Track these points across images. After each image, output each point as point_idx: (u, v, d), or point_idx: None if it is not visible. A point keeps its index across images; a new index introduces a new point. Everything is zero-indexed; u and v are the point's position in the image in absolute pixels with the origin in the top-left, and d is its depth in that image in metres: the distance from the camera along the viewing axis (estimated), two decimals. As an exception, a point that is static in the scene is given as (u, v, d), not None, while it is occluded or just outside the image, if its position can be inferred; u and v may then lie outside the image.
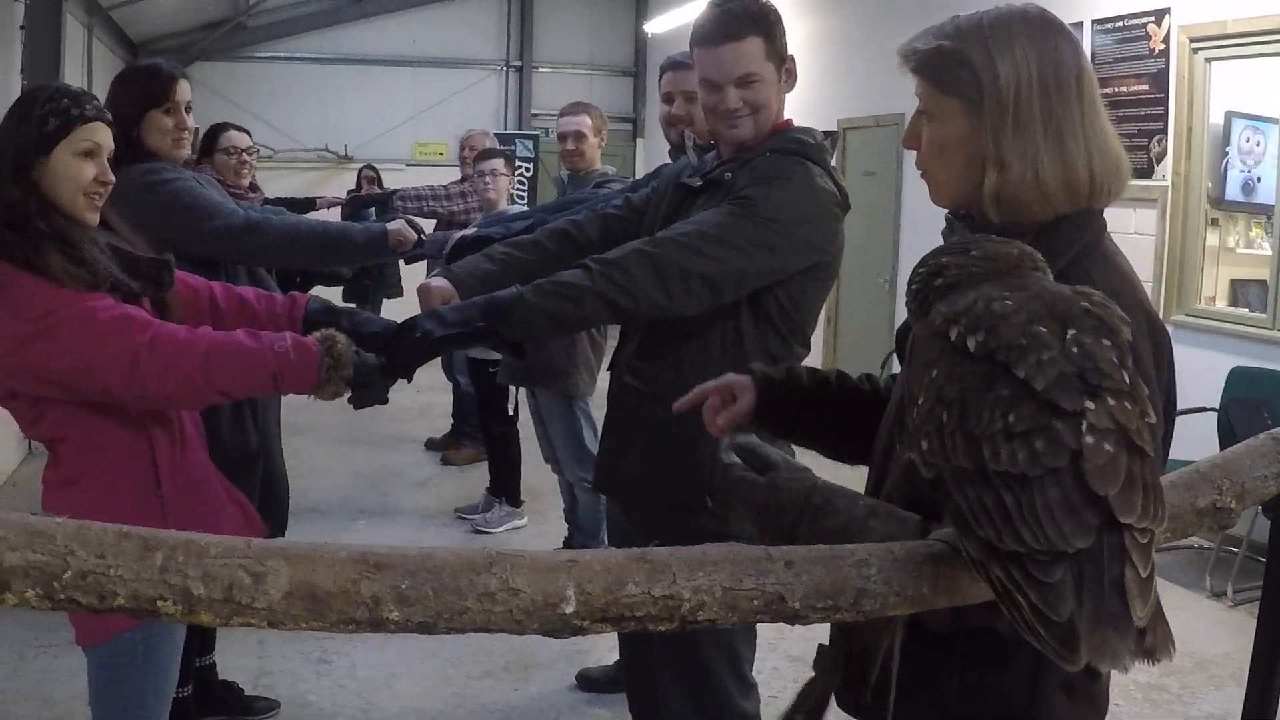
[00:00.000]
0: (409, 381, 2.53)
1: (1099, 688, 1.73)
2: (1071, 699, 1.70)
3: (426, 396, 9.06)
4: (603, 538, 5.45)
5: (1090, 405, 1.21)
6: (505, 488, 6.50)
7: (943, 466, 1.27)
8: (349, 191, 11.79)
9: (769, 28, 2.69)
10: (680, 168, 2.98)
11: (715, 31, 2.69)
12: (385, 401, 2.52)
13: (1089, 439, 1.20)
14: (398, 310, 11.28)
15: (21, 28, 7.66)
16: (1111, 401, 1.23)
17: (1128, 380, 1.27)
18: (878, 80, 9.30)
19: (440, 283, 2.73)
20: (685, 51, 3.74)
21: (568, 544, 5.62)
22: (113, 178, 2.45)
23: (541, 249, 2.91)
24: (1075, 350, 1.25)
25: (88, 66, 10.25)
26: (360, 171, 11.61)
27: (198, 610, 1.00)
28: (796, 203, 2.65)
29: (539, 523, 6.35)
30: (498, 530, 6.39)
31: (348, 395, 2.45)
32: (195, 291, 2.67)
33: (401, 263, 9.67)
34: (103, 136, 2.42)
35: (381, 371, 2.45)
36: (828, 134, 2.89)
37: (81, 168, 2.37)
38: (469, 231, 3.22)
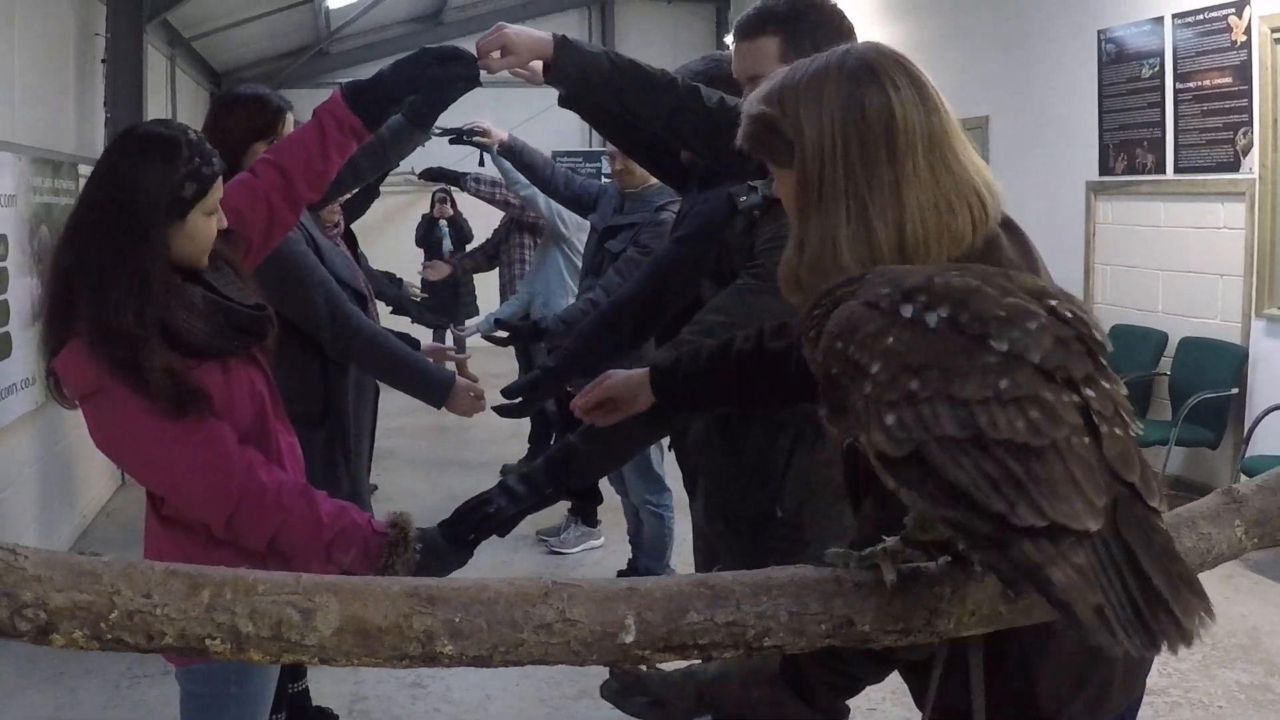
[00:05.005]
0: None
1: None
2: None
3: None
4: (668, 561, 5.40)
5: (1091, 393, 1.13)
6: (581, 508, 6.42)
7: (923, 440, 1.12)
8: (424, 215, 11.87)
9: (791, 28, 2.53)
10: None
11: (737, 28, 2.59)
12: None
13: (1103, 428, 1.12)
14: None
15: (103, 61, 7.76)
16: (1106, 384, 1.15)
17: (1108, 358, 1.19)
18: (961, 84, 9.15)
19: (544, 35, 2.63)
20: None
21: (631, 566, 5.55)
22: (226, 223, 2.35)
23: (661, 80, 2.75)
24: (1069, 315, 1.17)
25: (171, 97, 10.39)
26: (434, 194, 11.67)
27: (246, 648, 0.98)
28: None
29: (621, 541, 6.29)
30: (573, 551, 6.30)
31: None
32: (253, 207, 2.55)
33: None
34: (221, 189, 2.32)
35: (449, 545, 2.42)
36: None
37: (209, 227, 2.29)
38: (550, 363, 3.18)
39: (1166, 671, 4.44)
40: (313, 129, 2.57)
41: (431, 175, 6.69)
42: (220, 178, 2.29)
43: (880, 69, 1.61)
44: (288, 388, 2.66)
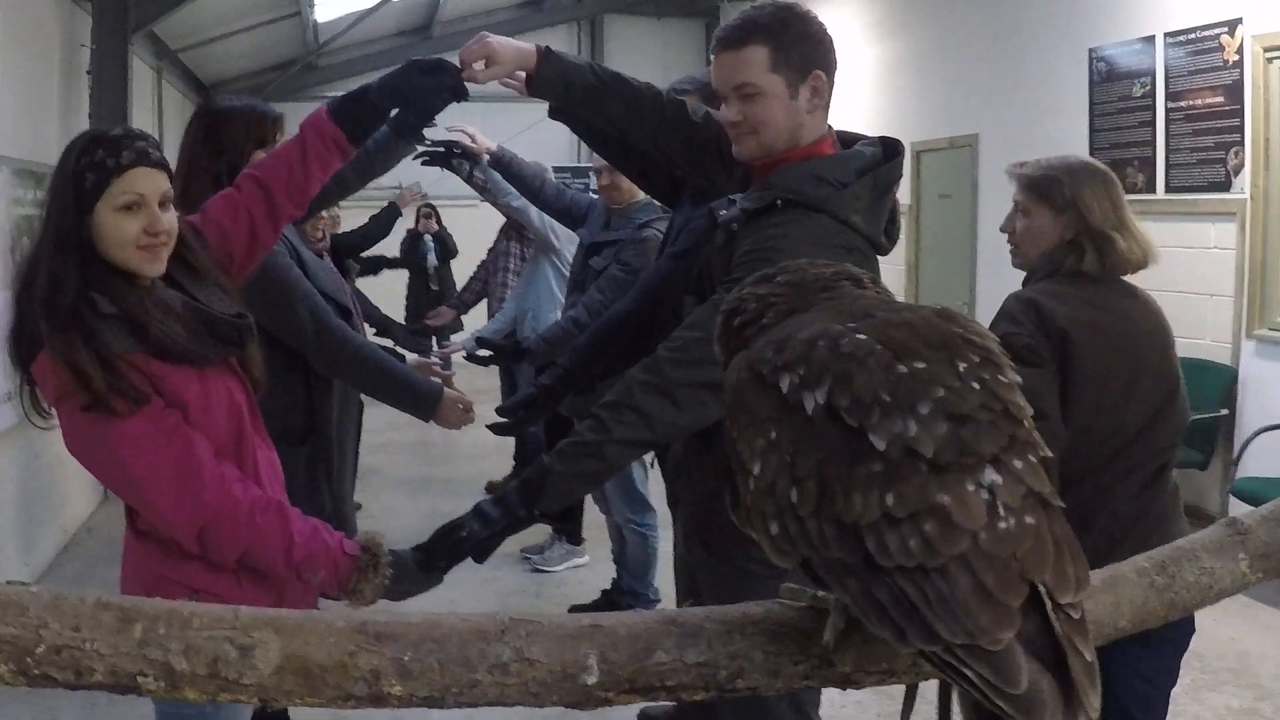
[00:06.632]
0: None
1: None
2: None
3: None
4: (652, 580, 5.34)
5: (996, 478, 1.02)
6: (565, 526, 6.36)
7: (808, 555, 1.04)
8: (409, 230, 11.78)
9: (779, 37, 2.46)
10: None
11: (721, 38, 2.51)
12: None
13: (1010, 521, 1.01)
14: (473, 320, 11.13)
15: (88, 72, 7.70)
16: (1018, 464, 1.04)
17: (1031, 425, 1.08)
18: (951, 102, 9.14)
19: (527, 46, 2.58)
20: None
21: (615, 585, 5.50)
22: (167, 225, 2.22)
23: (646, 94, 2.73)
24: (977, 387, 1.05)
25: (158, 110, 10.31)
26: (419, 210, 11.60)
27: (181, 686, 0.91)
28: None
29: (606, 560, 6.22)
30: (557, 569, 6.26)
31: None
32: (236, 222, 2.51)
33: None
34: (144, 184, 2.19)
35: (421, 570, 2.37)
36: (889, 150, 2.57)
37: (123, 224, 2.17)
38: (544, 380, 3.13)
39: (1155, 696, 4.37)
40: (295, 144, 2.53)
41: (427, 159, 6.52)
42: (136, 172, 2.20)
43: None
44: (271, 403, 2.62)
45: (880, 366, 1.04)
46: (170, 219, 2.24)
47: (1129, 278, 2.94)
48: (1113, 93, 7.26)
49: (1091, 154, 7.45)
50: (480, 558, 2.36)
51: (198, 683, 0.92)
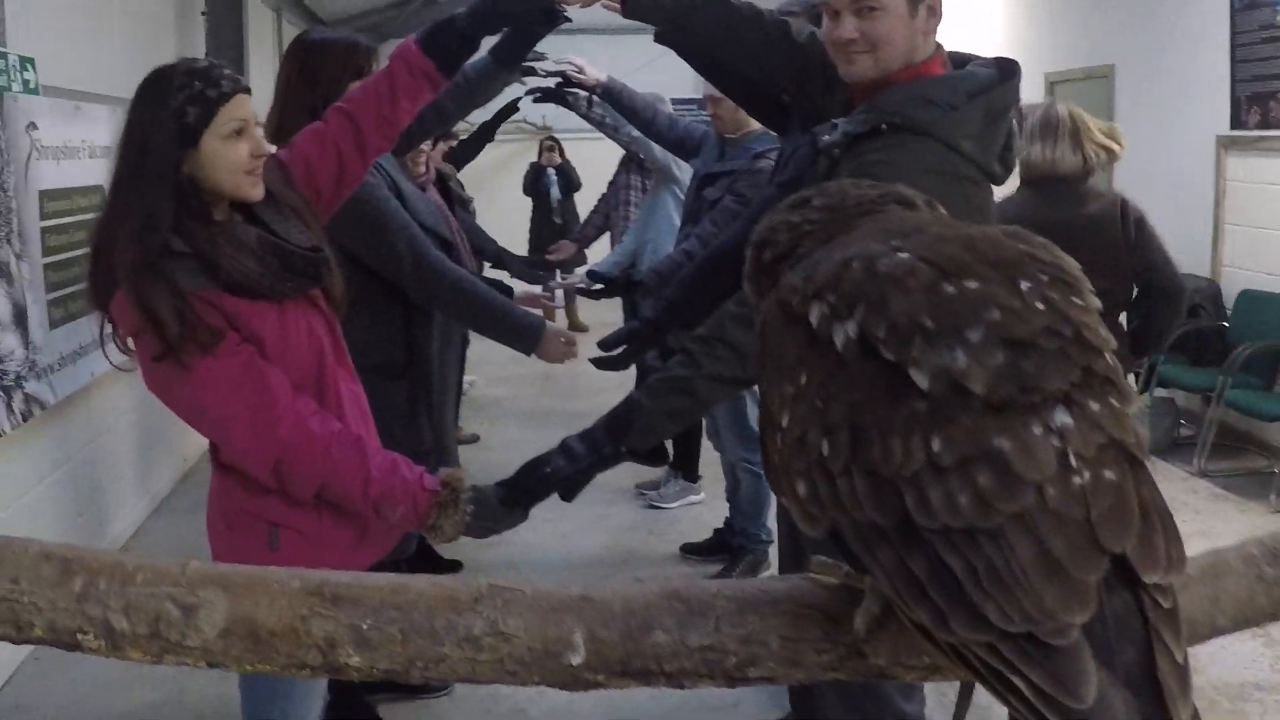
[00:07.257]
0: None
1: None
2: None
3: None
4: (765, 520, 5.21)
5: (1068, 421, 0.83)
6: (682, 462, 6.26)
7: (839, 520, 0.87)
8: (531, 163, 11.75)
9: None
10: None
11: None
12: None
13: (1084, 475, 0.82)
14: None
15: (203, 13, 7.69)
16: (1095, 405, 0.85)
17: (1114, 361, 0.88)
18: (1088, 30, 8.74)
19: None
20: None
21: (727, 524, 5.39)
22: (268, 147, 2.26)
23: (746, 12, 2.65)
24: (1041, 307, 0.86)
25: (278, 49, 10.31)
26: (541, 142, 11.53)
27: (122, 646, 0.81)
28: None
29: (723, 498, 6.10)
30: (672, 506, 6.15)
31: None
32: (323, 155, 2.48)
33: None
34: (245, 110, 2.21)
35: (504, 506, 2.32)
36: (1004, 71, 2.41)
37: (234, 150, 2.19)
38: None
39: (1280, 668, 4.13)
40: (384, 76, 2.49)
41: (541, 96, 6.41)
42: (237, 99, 2.20)
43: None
44: (369, 336, 2.63)
45: (922, 287, 0.86)
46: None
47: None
48: (1255, 21, 6.84)
49: (1233, 86, 7.06)
50: (567, 495, 2.30)
51: (139, 643, 0.82)
